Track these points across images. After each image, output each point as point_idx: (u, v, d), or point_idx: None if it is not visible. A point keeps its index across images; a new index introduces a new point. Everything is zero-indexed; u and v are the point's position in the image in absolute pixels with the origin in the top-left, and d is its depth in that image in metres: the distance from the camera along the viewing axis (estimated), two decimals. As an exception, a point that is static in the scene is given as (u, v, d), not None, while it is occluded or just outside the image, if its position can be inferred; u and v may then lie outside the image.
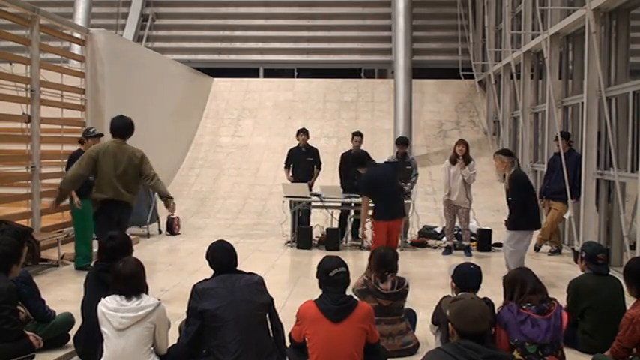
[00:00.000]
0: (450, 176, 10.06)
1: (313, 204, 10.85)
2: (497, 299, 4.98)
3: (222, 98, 18.41)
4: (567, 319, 4.95)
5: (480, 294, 4.81)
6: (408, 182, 10.63)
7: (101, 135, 8.74)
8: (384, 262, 5.43)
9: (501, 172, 7.94)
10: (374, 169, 8.25)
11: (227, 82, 18.92)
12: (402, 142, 11.07)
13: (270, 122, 17.55)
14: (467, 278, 4.98)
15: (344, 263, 4.71)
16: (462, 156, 9.96)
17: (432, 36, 19.92)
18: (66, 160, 10.87)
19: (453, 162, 10.05)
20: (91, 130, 8.78)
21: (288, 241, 10.85)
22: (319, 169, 11.47)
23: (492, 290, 5.26)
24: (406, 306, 5.61)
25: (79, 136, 11.08)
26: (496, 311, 4.77)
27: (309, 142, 11.61)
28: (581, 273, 5.71)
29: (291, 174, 11.40)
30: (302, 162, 11.37)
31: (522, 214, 7.61)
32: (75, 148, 11.14)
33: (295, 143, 11.65)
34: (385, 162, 10.95)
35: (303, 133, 11.44)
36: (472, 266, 5.08)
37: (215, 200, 14.50)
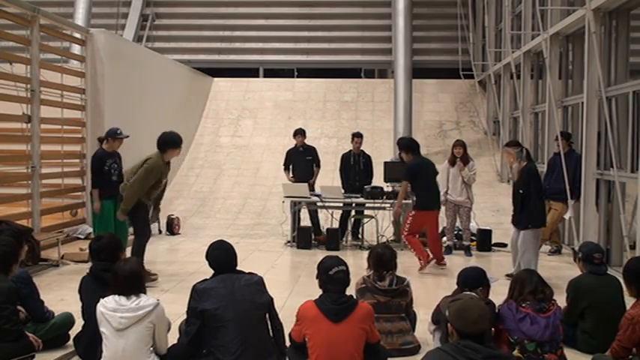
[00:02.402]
0: (448, 177, 10.08)
1: (318, 204, 10.83)
2: (498, 299, 4.99)
3: (222, 98, 18.41)
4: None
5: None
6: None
7: (126, 137, 8.74)
8: (381, 262, 5.44)
9: (510, 164, 7.95)
10: (421, 159, 9.06)
11: (227, 82, 18.92)
12: None
13: (270, 122, 17.55)
14: (459, 275, 5.03)
15: (344, 262, 4.72)
16: (459, 157, 9.97)
17: (432, 36, 19.92)
18: (66, 160, 10.95)
19: (452, 163, 10.07)
20: (118, 132, 8.70)
21: (288, 241, 10.86)
22: (318, 167, 11.48)
23: (493, 290, 5.25)
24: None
25: (79, 136, 11.15)
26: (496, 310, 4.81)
27: (306, 140, 11.61)
28: (580, 273, 5.73)
29: (291, 174, 11.42)
30: (301, 162, 11.38)
31: (533, 208, 7.63)
32: (75, 148, 11.22)
33: (293, 143, 11.66)
34: (386, 161, 11.00)
35: (300, 134, 11.45)
36: (471, 267, 5.11)
37: (215, 200, 14.50)
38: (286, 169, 11.54)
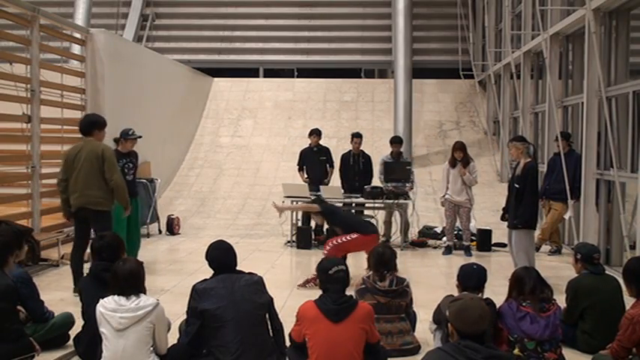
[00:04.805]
0: (449, 178, 10.07)
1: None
2: (498, 299, 4.99)
3: (222, 98, 18.42)
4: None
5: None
6: (408, 182, 10.65)
7: (139, 137, 8.66)
8: (381, 261, 5.44)
9: (516, 159, 7.95)
10: None
11: (227, 82, 18.92)
12: (397, 142, 11.07)
13: (270, 122, 17.55)
14: (468, 278, 5.00)
15: (343, 262, 4.75)
16: (460, 160, 9.96)
17: (432, 36, 19.93)
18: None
19: (452, 165, 10.06)
20: (130, 132, 8.62)
21: (289, 241, 10.86)
22: (332, 167, 11.47)
23: (492, 290, 5.26)
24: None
25: (79, 136, 11.13)
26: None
27: (305, 141, 11.57)
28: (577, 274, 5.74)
29: (305, 175, 11.39)
30: (315, 162, 11.34)
31: (531, 206, 7.63)
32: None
33: (296, 143, 11.65)
34: (386, 161, 11.00)
35: (315, 134, 11.40)
36: (475, 266, 5.10)
37: (215, 200, 14.50)
38: (300, 169, 11.50)
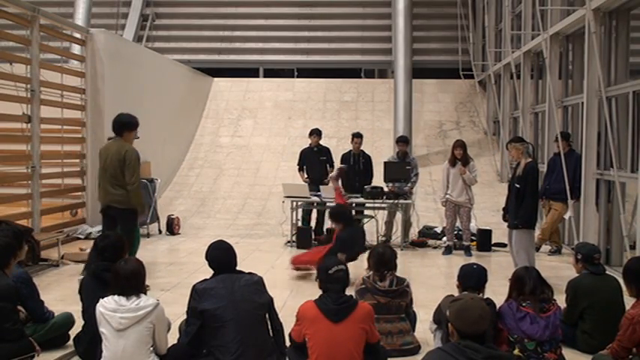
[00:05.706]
0: (449, 177, 10.07)
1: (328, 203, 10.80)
2: (498, 299, 4.99)
3: (222, 98, 18.41)
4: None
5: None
6: (409, 182, 10.65)
7: (137, 137, 8.67)
8: (382, 261, 5.44)
9: (516, 159, 7.95)
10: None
11: (227, 82, 18.92)
12: (403, 141, 11.08)
13: (270, 122, 17.55)
14: (468, 278, 5.00)
15: (343, 262, 4.74)
16: (460, 159, 9.96)
17: (432, 36, 19.93)
18: (66, 160, 10.95)
19: (452, 164, 10.06)
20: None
21: (289, 241, 10.86)
22: (332, 167, 11.46)
23: (493, 290, 5.26)
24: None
25: (79, 136, 11.15)
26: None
27: (305, 140, 11.55)
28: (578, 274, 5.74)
29: (306, 175, 11.39)
30: (315, 162, 11.34)
31: (532, 206, 7.64)
32: (75, 148, 11.23)
33: (296, 143, 11.64)
34: (386, 161, 11.00)
35: (315, 134, 11.39)
36: (475, 266, 5.10)
37: (215, 200, 14.50)
38: (300, 169, 11.50)
